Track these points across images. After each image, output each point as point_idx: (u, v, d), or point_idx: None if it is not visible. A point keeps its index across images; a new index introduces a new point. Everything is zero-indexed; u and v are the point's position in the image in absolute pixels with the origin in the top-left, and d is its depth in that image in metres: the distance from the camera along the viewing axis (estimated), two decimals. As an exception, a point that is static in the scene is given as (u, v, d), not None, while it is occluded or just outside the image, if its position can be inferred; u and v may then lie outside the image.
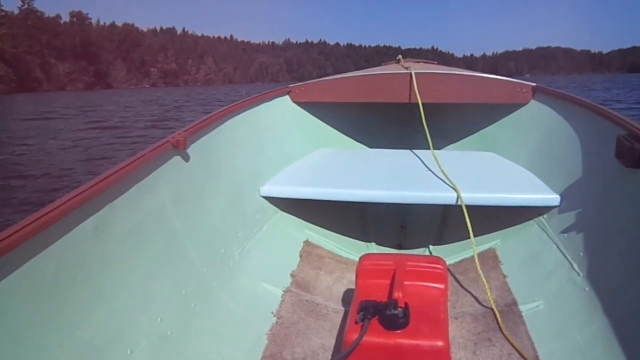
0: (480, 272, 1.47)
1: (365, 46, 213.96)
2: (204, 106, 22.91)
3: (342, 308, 1.55)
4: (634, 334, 1.07)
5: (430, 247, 1.96)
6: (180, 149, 1.42)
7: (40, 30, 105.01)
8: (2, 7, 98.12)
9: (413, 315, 1.09)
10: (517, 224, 1.73)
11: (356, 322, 1.10)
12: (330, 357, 1.31)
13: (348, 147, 2.73)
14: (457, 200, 1.65)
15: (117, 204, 1.13)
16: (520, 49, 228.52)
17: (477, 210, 1.62)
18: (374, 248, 2.05)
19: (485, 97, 2.29)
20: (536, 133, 2.04)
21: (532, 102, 2.19)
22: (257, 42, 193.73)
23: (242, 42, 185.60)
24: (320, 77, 2.75)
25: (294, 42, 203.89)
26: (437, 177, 1.87)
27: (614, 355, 1.07)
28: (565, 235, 1.50)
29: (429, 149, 2.11)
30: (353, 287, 1.34)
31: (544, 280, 1.44)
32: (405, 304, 1.11)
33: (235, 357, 1.24)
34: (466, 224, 1.55)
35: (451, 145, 2.68)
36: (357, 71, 2.71)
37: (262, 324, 1.39)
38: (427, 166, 2.03)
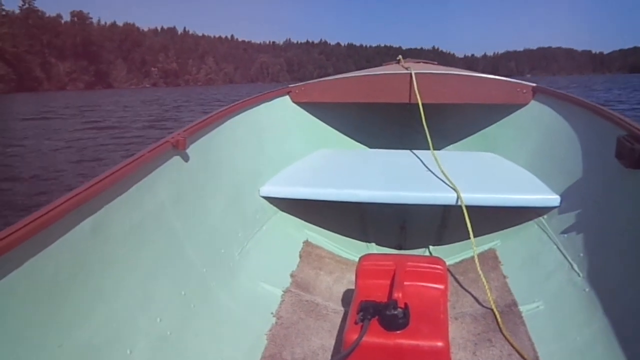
0: (480, 272, 1.47)
1: (366, 46, 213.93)
2: (203, 106, 22.90)
3: (342, 308, 1.55)
4: (634, 334, 1.07)
5: (430, 247, 1.96)
6: (179, 149, 1.42)
7: (41, 30, 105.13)
8: (3, 7, 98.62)
9: (413, 316, 1.09)
10: (517, 224, 1.73)
11: (356, 323, 1.10)
12: (330, 357, 1.31)
13: (348, 148, 2.73)
14: (457, 201, 1.65)
15: (116, 203, 1.13)
16: (521, 49, 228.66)
17: (477, 211, 1.62)
18: (373, 248, 2.05)
19: (486, 97, 2.28)
20: (536, 133, 2.04)
21: (532, 102, 2.18)
22: (258, 42, 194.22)
23: (243, 42, 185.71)
24: (321, 77, 2.75)
25: (295, 42, 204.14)
26: (437, 177, 1.87)
27: (614, 355, 1.07)
28: (565, 235, 1.50)
29: (429, 149, 2.11)
30: (353, 287, 1.34)
31: (544, 281, 1.43)
32: (405, 304, 1.11)
33: (235, 357, 1.24)
34: (466, 224, 1.55)
35: (451, 145, 2.67)
36: (357, 71, 2.71)
37: (261, 324, 1.39)
38: (427, 166, 2.03)
